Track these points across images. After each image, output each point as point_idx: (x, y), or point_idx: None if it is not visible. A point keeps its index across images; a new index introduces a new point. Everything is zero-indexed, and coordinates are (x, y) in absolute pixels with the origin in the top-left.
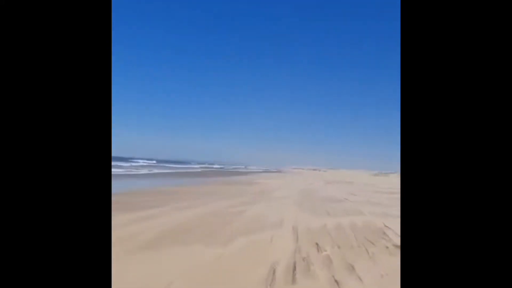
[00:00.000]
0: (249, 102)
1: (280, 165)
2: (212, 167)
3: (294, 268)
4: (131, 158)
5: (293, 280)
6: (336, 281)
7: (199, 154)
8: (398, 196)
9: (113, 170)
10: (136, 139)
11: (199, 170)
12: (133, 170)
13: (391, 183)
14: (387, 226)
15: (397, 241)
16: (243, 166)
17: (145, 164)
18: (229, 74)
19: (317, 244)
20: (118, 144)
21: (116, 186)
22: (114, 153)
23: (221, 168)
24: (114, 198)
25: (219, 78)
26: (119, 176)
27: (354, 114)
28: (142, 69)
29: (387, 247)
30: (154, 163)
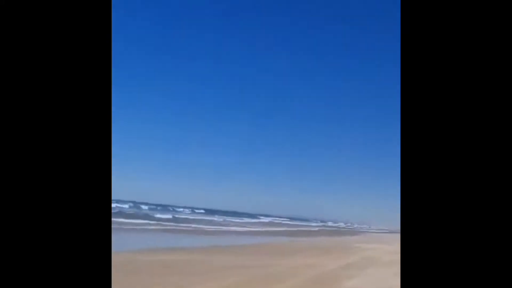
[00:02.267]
0: None
1: None
2: (332, 227)
3: None
4: (262, 215)
5: None
6: None
7: (331, 212)
8: None
9: (228, 227)
10: (276, 195)
11: (316, 229)
12: (251, 227)
13: None
14: None
15: None
16: (367, 226)
17: (266, 221)
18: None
19: None
20: (249, 201)
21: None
22: (243, 209)
23: (343, 227)
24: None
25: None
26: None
27: None
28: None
29: None
30: (277, 220)
